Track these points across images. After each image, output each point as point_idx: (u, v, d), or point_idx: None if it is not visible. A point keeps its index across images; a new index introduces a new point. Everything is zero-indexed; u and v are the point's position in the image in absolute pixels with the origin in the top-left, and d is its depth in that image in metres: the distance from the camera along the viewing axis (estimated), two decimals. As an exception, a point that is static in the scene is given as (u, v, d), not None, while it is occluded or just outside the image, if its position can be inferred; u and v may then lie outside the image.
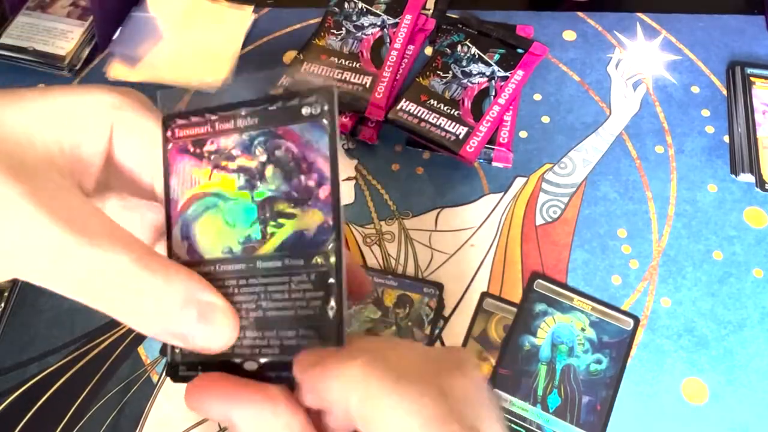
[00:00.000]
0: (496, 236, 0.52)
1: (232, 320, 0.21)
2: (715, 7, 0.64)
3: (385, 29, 0.60)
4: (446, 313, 0.49)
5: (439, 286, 0.49)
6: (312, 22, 0.65)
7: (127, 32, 0.64)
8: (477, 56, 0.59)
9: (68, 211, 0.20)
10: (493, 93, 0.56)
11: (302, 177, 0.21)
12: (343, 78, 0.57)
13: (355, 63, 0.58)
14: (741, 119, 0.56)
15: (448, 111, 0.55)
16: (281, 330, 0.21)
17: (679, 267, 0.50)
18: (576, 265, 0.50)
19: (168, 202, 0.23)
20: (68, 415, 0.45)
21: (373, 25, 0.61)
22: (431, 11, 0.64)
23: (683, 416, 0.44)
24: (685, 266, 0.50)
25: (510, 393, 0.45)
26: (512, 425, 0.44)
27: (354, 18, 0.61)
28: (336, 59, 0.59)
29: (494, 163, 0.55)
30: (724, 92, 0.59)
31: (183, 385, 0.21)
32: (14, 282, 0.49)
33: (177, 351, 0.22)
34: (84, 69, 0.62)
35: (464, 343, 0.47)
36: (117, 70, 0.61)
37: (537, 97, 0.59)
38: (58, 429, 0.45)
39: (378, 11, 0.61)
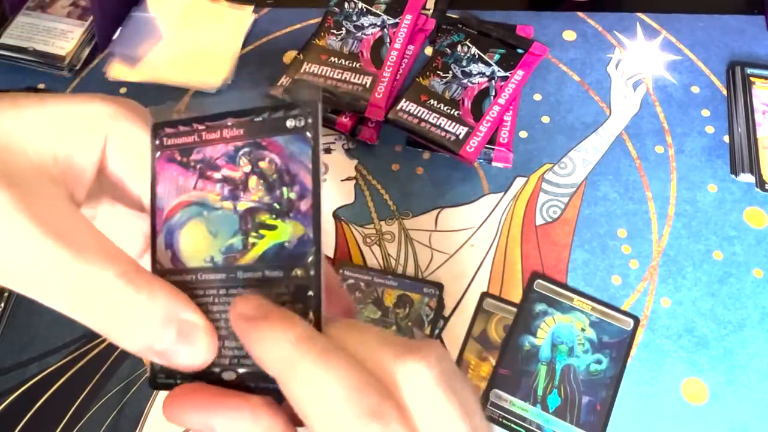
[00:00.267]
0: (496, 236, 0.52)
1: (211, 340, 0.21)
2: (715, 7, 0.64)
3: (385, 29, 0.60)
4: (446, 313, 0.49)
5: (439, 286, 0.49)
6: (312, 22, 0.65)
7: (127, 32, 0.64)
8: (477, 56, 0.59)
9: (55, 221, 0.20)
10: (493, 93, 0.56)
11: (284, 189, 0.21)
12: (343, 78, 0.57)
13: (355, 63, 0.58)
14: (741, 119, 0.56)
15: (448, 111, 0.55)
16: None
17: (679, 267, 0.50)
18: (576, 265, 0.50)
19: (154, 209, 0.23)
20: (68, 415, 0.45)
21: (373, 25, 0.61)
22: (431, 11, 0.64)
23: (683, 416, 0.44)
24: (685, 266, 0.50)
25: (510, 393, 0.45)
26: (512, 425, 0.44)
27: (354, 18, 0.61)
28: (336, 59, 0.59)
29: (494, 163, 0.55)
30: (724, 92, 0.59)
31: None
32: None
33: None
34: (84, 69, 0.62)
35: (464, 343, 0.47)
36: (117, 70, 0.61)
37: (537, 97, 0.59)
38: (58, 429, 0.45)
39: (378, 11, 0.61)
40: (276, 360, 0.19)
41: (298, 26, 0.65)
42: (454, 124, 0.54)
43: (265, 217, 0.21)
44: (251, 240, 0.21)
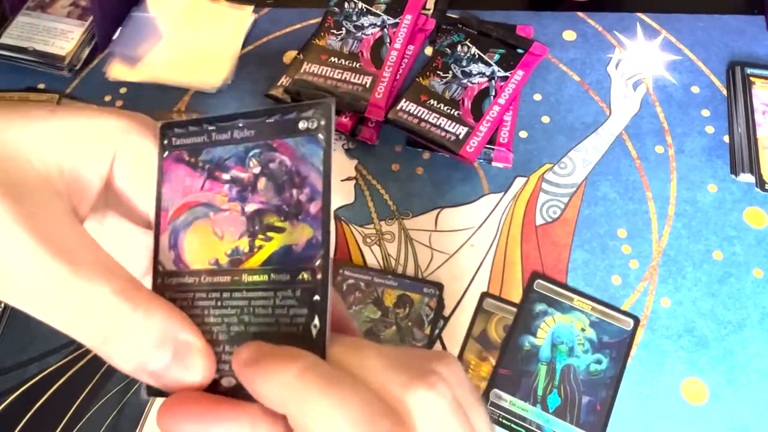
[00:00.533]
0: (496, 236, 0.52)
1: (207, 362, 0.20)
2: (715, 7, 0.64)
3: (385, 29, 0.60)
4: (446, 313, 0.49)
5: (439, 286, 0.49)
6: (312, 22, 0.65)
7: (127, 32, 0.64)
8: (477, 56, 0.59)
9: (54, 234, 0.19)
10: (493, 93, 0.56)
11: (294, 191, 0.21)
12: (343, 78, 0.57)
13: (355, 63, 0.58)
14: (741, 119, 0.56)
15: (448, 111, 0.55)
16: None
17: (679, 267, 0.50)
18: (576, 265, 0.50)
19: (158, 210, 0.23)
20: (68, 415, 0.45)
21: (373, 25, 0.61)
22: (431, 11, 0.64)
23: (683, 416, 0.44)
24: (685, 266, 0.50)
25: (510, 393, 0.45)
26: (512, 425, 0.44)
27: (354, 18, 0.61)
28: (336, 59, 0.59)
29: (494, 163, 0.55)
30: (724, 92, 0.59)
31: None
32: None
33: None
34: (84, 69, 0.62)
35: (464, 343, 0.47)
36: (117, 70, 0.61)
37: (537, 97, 0.59)
38: (58, 429, 0.45)
39: (378, 11, 0.61)
40: (281, 395, 0.18)
41: (298, 26, 0.65)
42: (454, 124, 0.54)
43: (274, 219, 0.21)
44: (258, 242, 0.21)
